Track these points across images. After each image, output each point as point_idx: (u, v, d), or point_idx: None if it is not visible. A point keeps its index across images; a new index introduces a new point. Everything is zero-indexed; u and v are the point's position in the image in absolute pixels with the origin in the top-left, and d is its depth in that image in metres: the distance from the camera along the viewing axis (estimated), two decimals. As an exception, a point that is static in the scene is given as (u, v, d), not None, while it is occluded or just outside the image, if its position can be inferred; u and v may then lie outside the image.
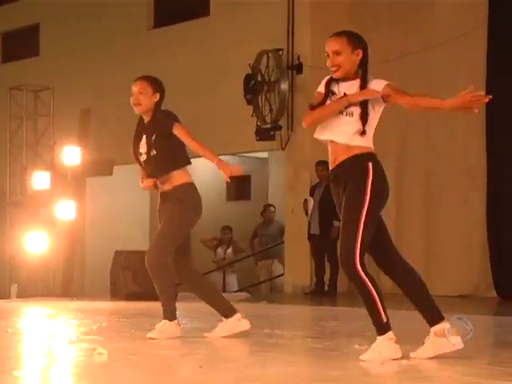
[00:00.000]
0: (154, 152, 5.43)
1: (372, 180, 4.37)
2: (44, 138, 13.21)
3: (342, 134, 4.44)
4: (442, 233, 10.72)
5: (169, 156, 5.43)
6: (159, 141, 5.41)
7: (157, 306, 8.50)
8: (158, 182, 5.49)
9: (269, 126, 11.92)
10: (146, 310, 7.98)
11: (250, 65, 12.01)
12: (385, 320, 4.33)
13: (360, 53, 4.52)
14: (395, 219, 11.19)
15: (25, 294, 11.83)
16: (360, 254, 4.29)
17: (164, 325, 5.39)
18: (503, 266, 10.23)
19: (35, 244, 12.31)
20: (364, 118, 4.42)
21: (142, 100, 5.48)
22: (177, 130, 5.40)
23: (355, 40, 4.54)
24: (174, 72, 13.14)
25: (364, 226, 4.30)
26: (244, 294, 11.45)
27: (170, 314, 5.41)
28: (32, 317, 7.91)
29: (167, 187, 5.46)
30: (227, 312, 5.49)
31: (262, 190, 14.71)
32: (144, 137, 5.48)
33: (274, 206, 13.23)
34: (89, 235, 14.54)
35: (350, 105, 4.41)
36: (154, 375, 4.04)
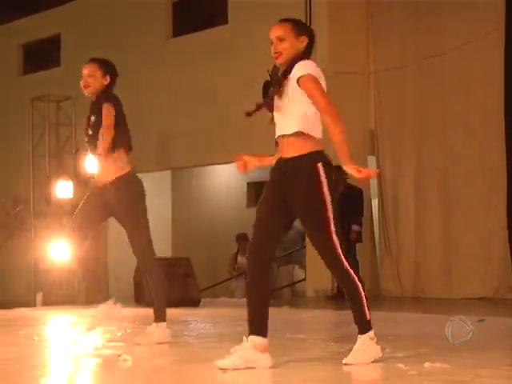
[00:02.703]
0: (89, 132, 5.45)
1: (325, 184, 4.25)
2: (66, 147, 13.33)
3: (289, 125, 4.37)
4: (462, 235, 10.69)
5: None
6: (97, 122, 5.39)
7: (179, 313, 8.58)
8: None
9: (288, 132, 11.94)
10: (169, 316, 8.03)
11: (268, 71, 12.05)
12: (368, 317, 4.29)
13: (305, 40, 4.39)
14: (414, 222, 11.21)
15: (49, 301, 11.93)
16: (343, 253, 4.23)
17: (162, 327, 5.45)
18: (524, 268, 10.22)
19: (59, 252, 12.41)
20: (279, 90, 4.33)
21: (90, 82, 5.50)
22: (103, 109, 5.34)
23: (300, 27, 4.42)
24: (193, 80, 13.22)
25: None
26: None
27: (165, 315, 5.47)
28: (57, 324, 7.99)
29: (112, 175, 5.43)
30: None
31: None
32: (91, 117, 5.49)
33: None
34: (112, 243, 14.62)
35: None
36: (178, 381, 4.10)
